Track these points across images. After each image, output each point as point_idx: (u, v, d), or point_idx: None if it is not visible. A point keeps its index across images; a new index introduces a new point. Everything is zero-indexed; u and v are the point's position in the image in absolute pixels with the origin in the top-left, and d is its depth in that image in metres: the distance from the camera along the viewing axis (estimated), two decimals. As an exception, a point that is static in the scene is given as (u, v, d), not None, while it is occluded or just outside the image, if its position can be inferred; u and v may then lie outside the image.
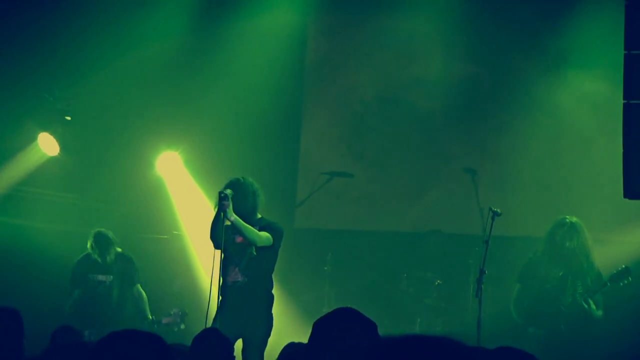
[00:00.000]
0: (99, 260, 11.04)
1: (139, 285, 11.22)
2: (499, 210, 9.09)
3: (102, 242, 11.04)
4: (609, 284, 9.47)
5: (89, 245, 11.04)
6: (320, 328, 4.12)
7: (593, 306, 9.51)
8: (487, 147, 12.48)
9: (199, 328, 9.16)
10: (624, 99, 7.76)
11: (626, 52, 7.79)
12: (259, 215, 9.23)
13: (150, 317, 11.04)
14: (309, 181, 12.82)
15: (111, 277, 11.10)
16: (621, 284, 9.46)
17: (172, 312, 11.07)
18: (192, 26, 12.54)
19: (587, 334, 9.64)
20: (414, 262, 11.95)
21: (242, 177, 9.17)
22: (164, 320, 11.00)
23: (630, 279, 9.45)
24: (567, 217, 9.87)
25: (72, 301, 11.05)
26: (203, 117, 12.42)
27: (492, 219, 9.00)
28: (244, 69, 12.57)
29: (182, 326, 11.06)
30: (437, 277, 11.58)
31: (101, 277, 11.11)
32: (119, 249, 11.20)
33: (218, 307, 8.89)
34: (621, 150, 7.73)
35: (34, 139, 11.74)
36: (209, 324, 8.87)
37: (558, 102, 12.10)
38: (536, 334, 9.64)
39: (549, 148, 12.18)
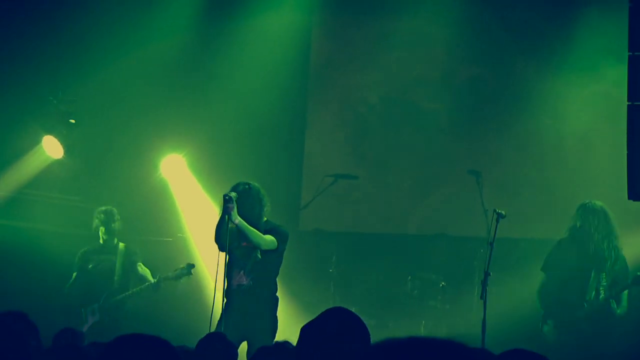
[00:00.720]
0: (104, 242, 11.20)
1: (141, 263, 11.34)
2: (503, 212, 9.06)
3: (108, 215, 11.22)
4: (631, 285, 9.33)
5: (94, 225, 11.23)
6: (308, 332, 4.01)
7: (614, 305, 9.41)
8: (491, 148, 12.47)
9: (203, 330, 9.17)
10: (627, 101, 7.75)
11: (630, 53, 7.78)
12: (265, 218, 9.23)
13: (153, 280, 11.11)
14: (313, 183, 12.82)
15: (114, 257, 11.23)
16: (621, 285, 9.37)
17: (179, 266, 11.13)
18: (196, 29, 12.55)
19: (606, 332, 9.53)
20: (419, 264, 11.95)
21: (248, 182, 9.17)
22: (171, 275, 11.05)
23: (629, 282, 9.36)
24: (592, 201, 9.70)
25: (73, 282, 11.21)
26: (207, 120, 12.43)
27: (497, 220, 8.96)
28: (249, 71, 12.58)
29: (190, 277, 11.10)
30: (442, 279, 11.57)
31: (104, 257, 11.24)
32: (122, 244, 11.27)
33: (223, 310, 8.90)
34: (625, 152, 7.72)
35: (38, 141, 11.75)
36: (214, 326, 8.88)
37: (561, 104, 12.09)
38: (550, 331, 9.55)
39: (552, 150, 12.17)
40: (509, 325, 10.04)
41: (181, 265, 11.10)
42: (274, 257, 9.13)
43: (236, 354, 6.50)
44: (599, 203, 9.67)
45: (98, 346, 6.12)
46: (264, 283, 9.11)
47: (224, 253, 8.86)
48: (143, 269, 11.31)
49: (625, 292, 9.46)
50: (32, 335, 5.92)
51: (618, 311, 9.44)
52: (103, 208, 11.28)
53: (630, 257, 10.13)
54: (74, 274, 11.24)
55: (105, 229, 11.23)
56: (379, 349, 2.48)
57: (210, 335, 6.85)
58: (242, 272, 9.10)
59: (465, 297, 11.38)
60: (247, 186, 9.09)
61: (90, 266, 11.20)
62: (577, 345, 9.32)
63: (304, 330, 4.03)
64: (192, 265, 11.07)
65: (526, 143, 12.30)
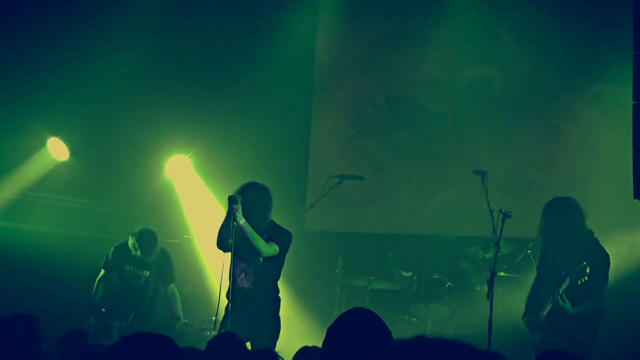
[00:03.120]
0: (140, 256, 10.73)
1: (173, 285, 10.98)
2: (509, 212, 9.05)
3: (147, 240, 10.70)
4: (589, 279, 8.59)
5: (130, 243, 10.68)
6: (335, 331, 4.12)
7: (568, 303, 8.70)
8: (496, 149, 12.46)
9: (209, 331, 9.18)
10: (633, 100, 7.75)
11: (635, 52, 7.78)
12: (269, 219, 9.23)
13: (183, 320, 10.85)
14: (319, 184, 12.81)
15: (148, 272, 10.85)
16: (579, 282, 8.66)
17: (206, 319, 10.92)
18: (202, 31, 12.55)
19: (562, 330, 9.07)
20: (425, 264, 11.93)
21: (257, 182, 9.17)
22: (197, 324, 10.83)
23: (586, 278, 8.61)
24: (556, 198, 9.24)
25: (103, 287, 10.77)
26: (213, 121, 12.43)
27: (503, 220, 8.94)
28: (254, 72, 12.59)
29: (214, 332, 10.91)
30: (448, 279, 11.56)
31: (138, 271, 10.84)
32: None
33: (227, 311, 8.91)
34: (631, 152, 7.71)
35: (43, 144, 11.77)
36: (218, 327, 8.90)
37: (567, 103, 12.08)
38: (528, 321, 9.20)
39: (558, 149, 12.16)
40: (516, 325, 10.02)
41: (208, 318, 10.88)
42: (275, 262, 9.13)
43: (246, 353, 6.49)
44: (563, 199, 9.18)
45: (104, 347, 6.12)
46: (265, 287, 9.11)
47: (229, 255, 8.87)
48: (174, 291, 10.95)
49: (596, 286, 8.75)
50: (42, 338, 5.93)
51: (572, 310, 8.86)
52: (142, 229, 10.73)
53: (636, 256, 10.09)
54: (102, 272, 10.79)
55: (142, 253, 10.72)
56: (387, 350, 2.48)
57: (221, 335, 6.85)
58: (243, 275, 9.10)
59: (472, 297, 11.37)
60: (256, 187, 9.09)
61: (123, 277, 10.79)
62: (542, 343, 8.89)
63: (330, 330, 4.13)
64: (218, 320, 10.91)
65: (532, 143, 12.29)
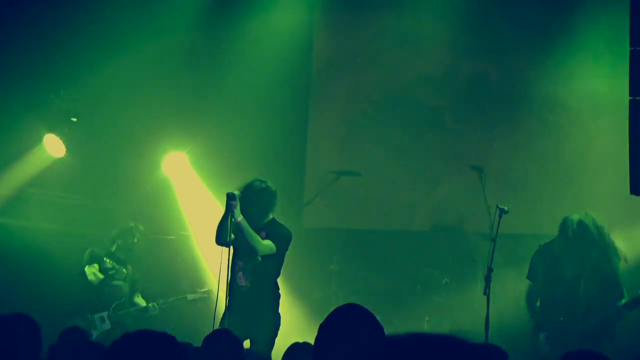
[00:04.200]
0: (121, 253, 11.32)
1: (139, 294, 11.43)
2: (506, 208, 9.06)
3: (128, 235, 11.34)
4: (622, 310, 8.93)
5: (110, 239, 11.34)
6: (326, 327, 4.10)
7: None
8: (493, 144, 12.46)
9: (207, 328, 9.18)
10: (629, 95, 7.75)
11: (631, 48, 7.78)
12: (270, 217, 9.23)
13: (148, 304, 11.21)
14: (316, 180, 12.81)
15: (125, 270, 11.31)
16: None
17: (198, 290, 11.20)
18: (199, 26, 12.54)
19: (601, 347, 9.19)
20: (422, 261, 11.93)
21: (258, 179, 9.17)
22: (189, 297, 11.21)
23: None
24: (584, 216, 9.27)
25: (85, 279, 11.19)
26: (210, 117, 12.42)
27: (500, 216, 8.96)
28: (251, 69, 12.57)
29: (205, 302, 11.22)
30: (445, 275, 11.56)
31: (118, 267, 11.27)
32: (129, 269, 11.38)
33: (226, 308, 8.90)
34: (627, 147, 7.71)
35: (39, 140, 11.75)
36: (217, 323, 8.90)
37: (564, 99, 12.08)
38: (542, 344, 9.28)
39: (555, 145, 12.16)
40: (512, 320, 10.03)
41: (200, 289, 11.25)
42: (274, 260, 9.12)
43: (242, 350, 6.49)
44: (587, 215, 9.28)
45: (102, 345, 6.12)
46: (264, 285, 9.10)
47: (227, 251, 8.87)
48: (139, 299, 11.40)
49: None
50: (38, 337, 5.92)
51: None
52: (125, 227, 11.43)
53: (633, 252, 10.08)
54: (87, 265, 11.25)
55: (124, 249, 11.40)
56: (384, 346, 2.48)
57: (216, 332, 6.85)
58: (241, 273, 9.10)
59: (469, 293, 11.37)
60: (258, 184, 9.09)
61: (107, 273, 11.21)
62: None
63: (322, 327, 4.12)
64: (211, 290, 11.15)
65: (529, 138, 12.29)
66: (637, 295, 8.92)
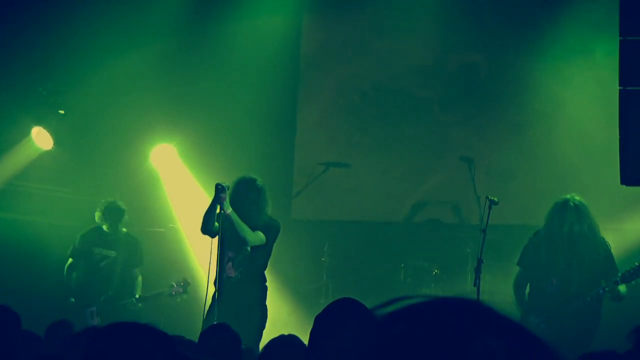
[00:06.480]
0: (108, 232, 11.01)
1: (138, 270, 11.16)
2: (496, 199, 9.06)
3: (114, 212, 11.00)
4: (620, 282, 8.76)
5: (97, 215, 11.00)
6: (322, 320, 4.10)
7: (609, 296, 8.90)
8: (483, 136, 12.44)
9: (196, 320, 9.16)
10: (619, 86, 7.74)
11: (621, 38, 7.76)
12: (268, 215, 9.24)
13: (137, 296, 11.00)
14: (305, 172, 12.78)
15: (115, 253, 11.04)
16: (633, 282, 8.73)
17: (173, 283, 11.09)
18: (187, 18, 12.50)
19: (591, 329, 9.17)
20: (412, 252, 11.91)
21: (251, 176, 9.18)
22: (167, 291, 11.03)
23: None
24: (570, 197, 9.12)
25: (73, 273, 11.03)
26: (198, 109, 12.39)
27: (489, 207, 8.97)
28: (239, 60, 12.56)
29: (184, 296, 11.08)
30: (435, 266, 11.55)
31: (106, 252, 11.05)
32: (124, 229, 11.16)
33: (213, 300, 8.89)
34: (617, 137, 7.70)
35: (27, 133, 11.71)
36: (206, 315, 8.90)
37: (553, 90, 12.06)
38: (537, 323, 9.26)
39: (545, 136, 12.14)
40: (502, 311, 10.00)
41: (174, 281, 11.10)
42: (262, 252, 9.15)
43: (240, 344, 6.45)
44: (577, 198, 9.13)
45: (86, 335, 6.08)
46: (252, 277, 9.13)
47: (216, 243, 8.87)
48: (137, 275, 11.15)
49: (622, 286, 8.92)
50: (17, 325, 5.90)
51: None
52: (109, 201, 11.05)
53: (621, 243, 10.08)
54: (70, 260, 11.05)
55: (109, 225, 11.03)
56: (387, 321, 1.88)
57: (214, 326, 6.82)
58: (230, 264, 9.10)
59: (459, 285, 11.36)
60: (252, 180, 9.11)
61: (92, 260, 11.01)
62: (561, 340, 8.88)
63: (318, 319, 4.14)
64: (188, 283, 11.04)
65: (519, 130, 12.27)
66: (634, 266, 8.78)
